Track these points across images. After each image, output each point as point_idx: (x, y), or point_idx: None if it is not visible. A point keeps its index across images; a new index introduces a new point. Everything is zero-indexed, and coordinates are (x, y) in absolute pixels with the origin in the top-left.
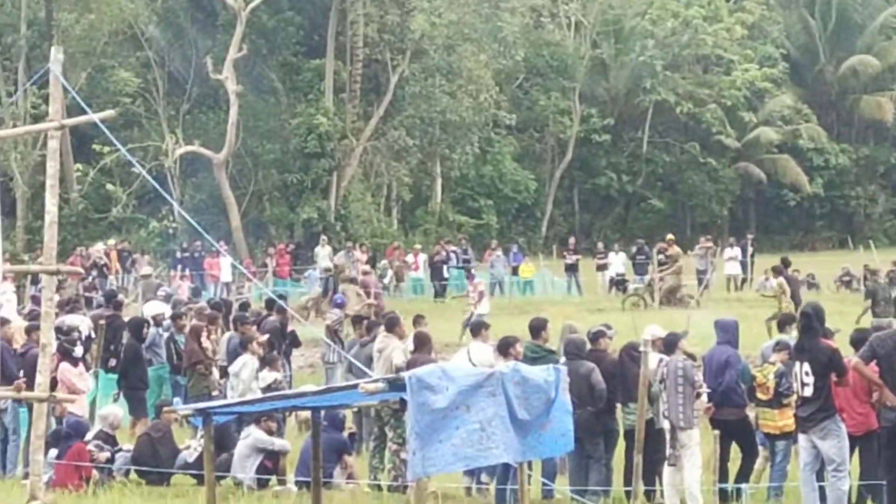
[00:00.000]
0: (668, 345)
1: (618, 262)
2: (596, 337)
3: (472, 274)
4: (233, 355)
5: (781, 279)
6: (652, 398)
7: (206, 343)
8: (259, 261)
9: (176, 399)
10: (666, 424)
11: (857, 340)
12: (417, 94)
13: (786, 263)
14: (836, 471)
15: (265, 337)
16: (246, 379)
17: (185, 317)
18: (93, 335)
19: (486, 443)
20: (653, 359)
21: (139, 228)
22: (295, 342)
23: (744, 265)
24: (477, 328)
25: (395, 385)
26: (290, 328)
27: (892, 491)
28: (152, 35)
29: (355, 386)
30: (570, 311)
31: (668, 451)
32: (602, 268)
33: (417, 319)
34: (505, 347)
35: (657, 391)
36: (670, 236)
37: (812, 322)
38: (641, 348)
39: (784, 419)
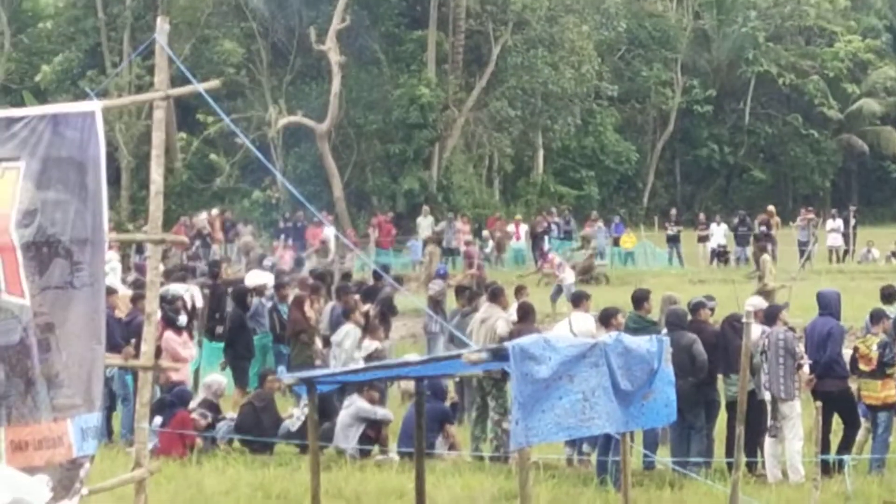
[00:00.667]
0: (770, 316)
1: (719, 233)
2: (696, 308)
3: (545, 252)
4: (335, 325)
5: None
6: (754, 369)
7: (308, 312)
8: (361, 231)
9: (280, 368)
10: (767, 396)
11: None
12: (519, 65)
13: None
14: None
15: (374, 307)
16: (348, 348)
17: (289, 286)
18: (197, 304)
19: (588, 413)
20: (755, 330)
21: (242, 198)
22: (393, 311)
23: (845, 237)
24: (578, 299)
25: (499, 355)
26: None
27: None
28: (256, 6)
29: (459, 356)
30: (671, 283)
31: (769, 423)
32: (703, 239)
33: (519, 290)
34: (607, 318)
35: (759, 362)
36: (771, 208)
37: None
38: (743, 319)
39: (886, 390)
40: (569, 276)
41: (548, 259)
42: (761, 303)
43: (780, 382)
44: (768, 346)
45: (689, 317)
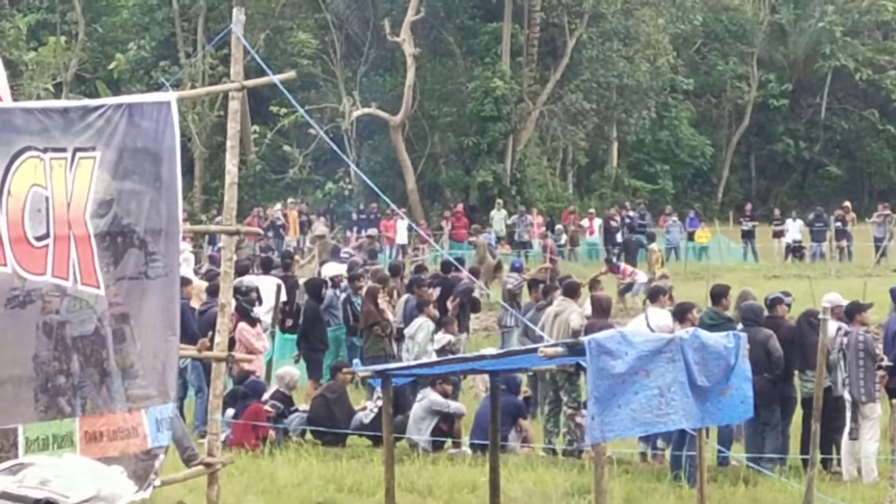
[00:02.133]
0: (849, 314)
1: (794, 229)
2: (773, 304)
3: (615, 264)
4: (409, 317)
5: None
6: (830, 366)
7: (382, 304)
8: (434, 223)
9: (355, 361)
10: (845, 394)
11: None
12: (594, 58)
13: None
14: None
15: (452, 300)
16: (421, 341)
17: (362, 278)
18: (281, 296)
19: (664, 408)
20: (831, 326)
21: (315, 190)
22: (475, 306)
23: None
24: (655, 294)
25: (574, 349)
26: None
27: None
28: None
29: (534, 350)
30: (746, 278)
31: (849, 425)
32: (778, 234)
33: (594, 284)
34: (682, 313)
35: (835, 359)
36: (847, 203)
37: None
38: (820, 315)
39: None
40: (641, 276)
41: (620, 270)
42: (838, 299)
43: (861, 385)
44: (847, 346)
45: (766, 312)
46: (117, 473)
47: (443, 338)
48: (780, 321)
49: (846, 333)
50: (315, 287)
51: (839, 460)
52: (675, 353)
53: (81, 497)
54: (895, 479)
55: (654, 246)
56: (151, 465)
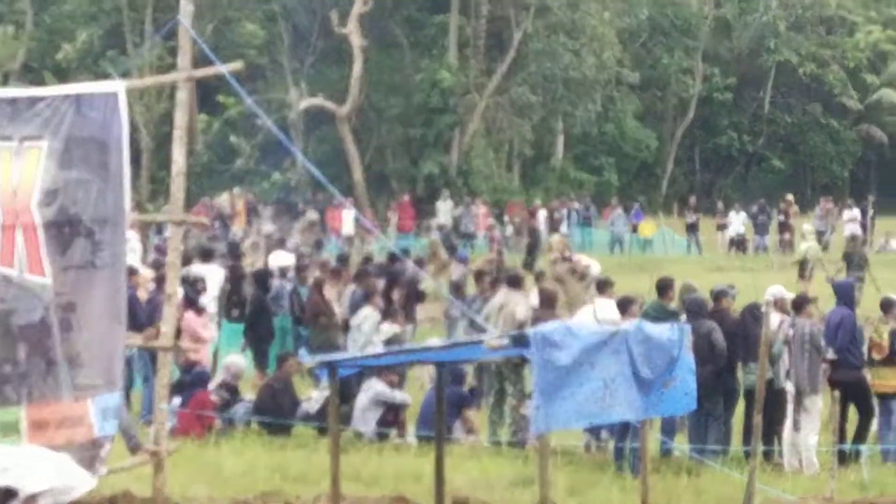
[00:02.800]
0: (797, 307)
1: (738, 221)
2: (718, 296)
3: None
4: (355, 308)
5: None
6: (773, 358)
7: (329, 295)
8: (381, 215)
9: (301, 351)
10: (788, 386)
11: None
12: (541, 51)
13: None
14: None
15: (398, 291)
16: (367, 332)
17: (309, 269)
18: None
19: (608, 400)
20: (774, 319)
21: (261, 180)
22: (419, 296)
23: (863, 227)
24: (603, 286)
25: (520, 341)
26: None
27: None
28: None
29: (480, 341)
30: (690, 270)
31: (791, 417)
32: (722, 227)
33: (539, 276)
34: (624, 307)
35: (778, 351)
36: (790, 197)
37: None
38: (763, 308)
39: None
40: (594, 266)
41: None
42: (782, 292)
43: (805, 376)
44: (793, 338)
45: (712, 305)
46: (72, 463)
47: (389, 329)
48: (724, 314)
49: (792, 325)
50: (262, 277)
51: (781, 452)
52: (620, 346)
53: (40, 486)
54: (835, 471)
55: (556, 236)
56: (97, 454)
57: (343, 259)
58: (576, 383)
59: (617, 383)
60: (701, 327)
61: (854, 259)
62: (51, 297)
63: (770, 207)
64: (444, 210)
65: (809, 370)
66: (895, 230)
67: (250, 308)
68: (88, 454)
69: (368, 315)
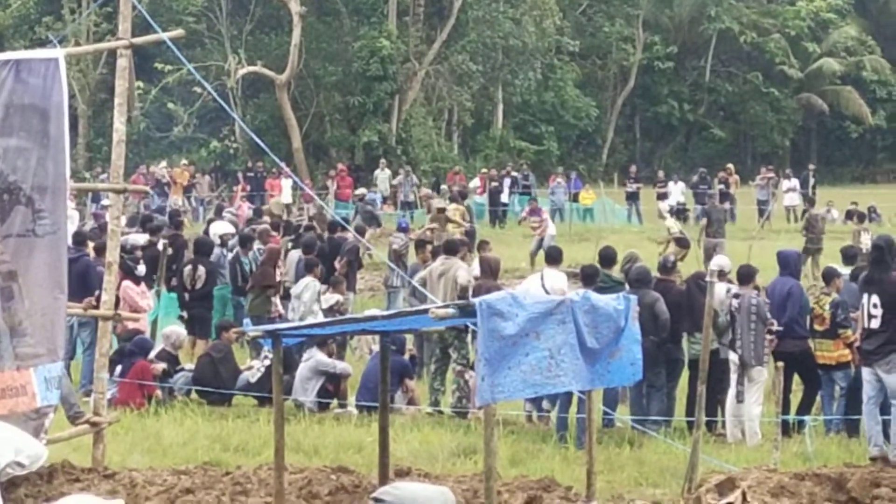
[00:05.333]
0: (743, 277)
1: (677, 191)
2: (666, 266)
3: (537, 206)
4: (299, 277)
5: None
6: (718, 329)
7: (281, 267)
8: (319, 183)
9: (246, 321)
10: (734, 358)
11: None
12: (481, 18)
13: None
14: None
15: (340, 260)
16: (307, 300)
17: (253, 239)
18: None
19: (554, 370)
20: (720, 289)
21: (200, 148)
22: (360, 265)
23: (804, 196)
24: (555, 255)
25: (465, 311)
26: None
27: None
28: None
29: (426, 311)
30: (631, 240)
31: (735, 388)
32: (662, 196)
33: (482, 245)
34: (592, 278)
35: (724, 322)
36: (730, 166)
37: (884, 255)
38: (707, 279)
39: (839, 350)
40: (551, 228)
41: (541, 213)
42: (726, 262)
43: (751, 348)
44: (739, 309)
45: (658, 275)
46: (35, 440)
47: (330, 297)
48: (670, 284)
49: (737, 296)
50: (203, 246)
51: (724, 422)
52: (566, 316)
53: (3, 460)
54: (779, 442)
55: (453, 205)
56: (41, 423)
57: (287, 228)
58: (521, 353)
59: (563, 353)
60: (645, 297)
61: (815, 231)
62: None
63: (710, 177)
64: (383, 178)
65: (755, 341)
66: (836, 199)
67: (205, 277)
68: (31, 424)
69: (309, 284)
